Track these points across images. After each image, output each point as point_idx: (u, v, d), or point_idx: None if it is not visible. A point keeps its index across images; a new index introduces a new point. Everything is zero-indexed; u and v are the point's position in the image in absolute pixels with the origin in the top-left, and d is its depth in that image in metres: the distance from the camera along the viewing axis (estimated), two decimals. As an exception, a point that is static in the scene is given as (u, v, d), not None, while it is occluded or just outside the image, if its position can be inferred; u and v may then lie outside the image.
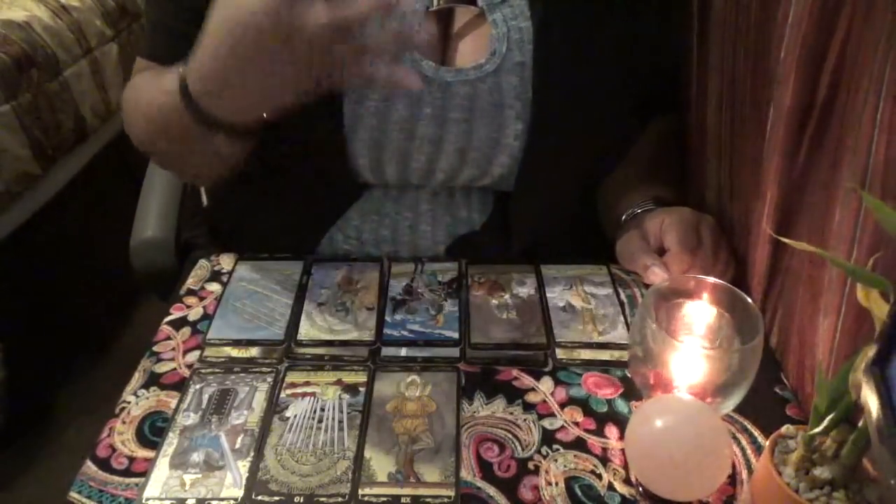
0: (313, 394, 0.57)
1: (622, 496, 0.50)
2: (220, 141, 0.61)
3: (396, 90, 0.65)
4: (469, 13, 0.67)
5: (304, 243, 0.75)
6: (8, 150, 1.42)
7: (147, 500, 0.49)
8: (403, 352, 0.61)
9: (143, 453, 0.52)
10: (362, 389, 0.57)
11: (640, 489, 0.50)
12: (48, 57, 1.53)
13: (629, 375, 0.57)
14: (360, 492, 0.49)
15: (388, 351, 0.61)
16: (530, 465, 0.52)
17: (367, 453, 0.52)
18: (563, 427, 0.55)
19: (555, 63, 0.65)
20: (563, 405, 0.57)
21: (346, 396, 0.57)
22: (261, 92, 0.57)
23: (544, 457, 0.52)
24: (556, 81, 0.65)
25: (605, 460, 0.52)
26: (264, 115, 0.59)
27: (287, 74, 0.55)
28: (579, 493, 0.50)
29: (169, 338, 0.63)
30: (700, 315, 0.54)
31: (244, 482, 0.50)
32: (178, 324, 0.65)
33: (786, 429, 0.47)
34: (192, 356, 0.61)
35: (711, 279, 0.54)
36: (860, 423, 0.41)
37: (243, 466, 0.51)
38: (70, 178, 1.66)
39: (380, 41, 0.52)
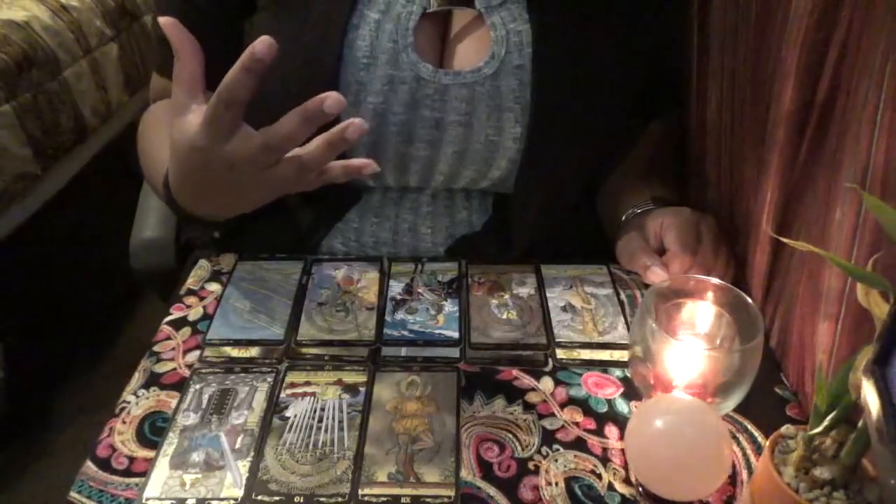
0: (313, 394, 0.57)
1: (622, 496, 0.50)
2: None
3: (395, 93, 0.65)
4: (467, 16, 0.67)
5: (303, 245, 0.75)
6: (8, 150, 1.42)
7: (147, 500, 0.49)
8: (403, 352, 0.61)
9: (143, 453, 0.52)
10: (362, 389, 0.57)
11: (640, 489, 0.50)
12: (48, 57, 1.53)
13: (629, 375, 0.57)
14: (360, 492, 0.49)
15: (388, 351, 0.61)
16: (530, 465, 0.52)
17: (367, 453, 0.52)
18: (563, 427, 0.55)
19: (554, 66, 0.65)
20: (563, 405, 0.57)
21: (346, 396, 0.57)
22: (228, 203, 0.60)
23: (544, 457, 0.52)
24: (555, 84, 0.65)
25: (605, 460, 0.52)
26: (241, 212, 0.62)
27: (247, 190, 0.56)
28: (579, 493, 0.50)
29: (169, 338, 0.63)
30: (700, 315, 0.54)
31: (244, 482, 0.50)
32: (178, 324, 0.65)
33: (786, 429, 0.47)
34: (192, 356, 0.61)
35: (711, 279, 0.54)
36: (860, 423, 0.41)
37: (243, 466, 0.51)
38: (70, 178, 1.66)
39: (314, 154, 0.52)
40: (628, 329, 0.63)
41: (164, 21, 0.51)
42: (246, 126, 0.52)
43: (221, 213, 0.63)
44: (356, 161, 0.55)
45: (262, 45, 0.47)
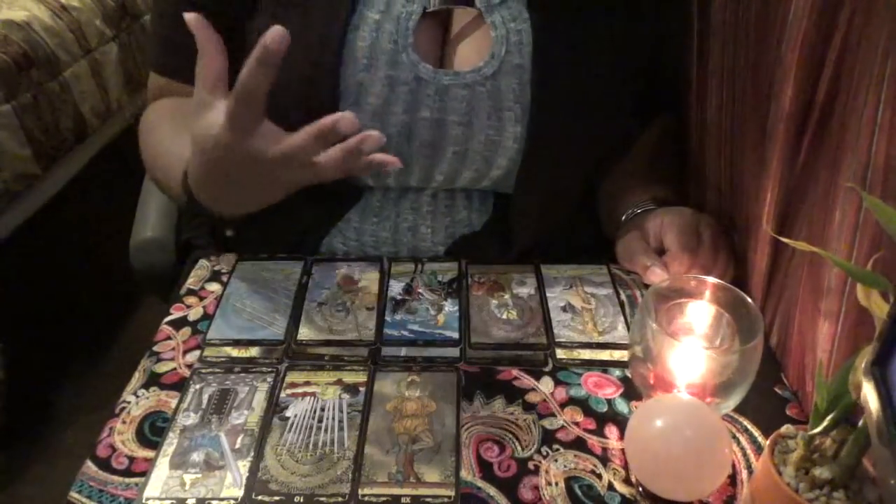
0: (313, 394, 0.57)
1: (622, 496, 0.50)
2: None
3: (395, 93, 0.65)
4: (468, 15, 0.67)
5: (303, 245, 0.75)
6: (8, 150, 1.42)
7: (147, 500, 0.49)
8: (403, 352, 0.61)
9: (143, 453, 0.52)
10: (362, 389, 0.57)
11: (640, 489, 0.50)
12: (48, 57, 1.53)
13: (629, 375, 0.57)
14: (360, 492, 0.49)
15: (388, 351, 0.61)
16: (530, 465, 0.52)
17: (367, 453, 0.52)
18: (563, 427, 0.55)
19: (554, 66, 0.65)
20: (563, 405, 0.57)
21: (346, 396, 0.57)
22: (251, 196, 0.60)
23: (544, 457, 0.52)
24: (555, 84, 0.65)
25: (605, 460, 0.52)
26: (261, 207, 0.62)
27: (267, 186, 0.58)
28: (579, 493, 0.50)
29: (169, 338, 0.63)
30: (700, 315, 0.54)
31: (244, 482, 0.50)
32: (178, 324, 0.65)
33: (786, 429, 0.47)
34: (192, 356, 0.61)
35: (711, 279, 0.54)
36: (860, 423, 0.41)
37: (243, 466, 0.51)
38: (70, 178, 1.66)
39: (330, 159, 0.53)
40: (628, 329, 0.63)
41: (189, 18, 0.51)
42: (268, 122, 0.53)
43: (242, 208, 0.63)
44: (381, 156, 0.54)
45: (272, 35, 0.48)
